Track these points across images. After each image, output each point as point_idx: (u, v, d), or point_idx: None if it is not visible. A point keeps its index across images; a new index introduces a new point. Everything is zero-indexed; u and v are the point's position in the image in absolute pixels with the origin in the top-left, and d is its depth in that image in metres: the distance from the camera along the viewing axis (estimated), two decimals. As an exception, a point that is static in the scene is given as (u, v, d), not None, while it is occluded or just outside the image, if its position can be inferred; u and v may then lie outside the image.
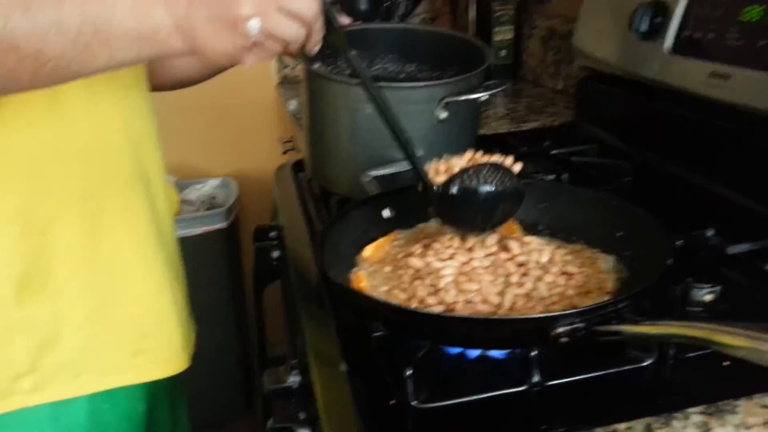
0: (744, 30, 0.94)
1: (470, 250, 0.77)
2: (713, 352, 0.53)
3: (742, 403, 0.59)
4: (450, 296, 0.69)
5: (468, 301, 0.69)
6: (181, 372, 0.91)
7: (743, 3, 0.95)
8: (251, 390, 2.19)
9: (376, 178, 0.94)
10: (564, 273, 0.74)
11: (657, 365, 0.65)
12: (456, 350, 0.69)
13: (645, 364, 0.65)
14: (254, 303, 1.12)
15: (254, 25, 0.62)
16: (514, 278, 0.73)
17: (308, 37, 0.67)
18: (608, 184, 1.09)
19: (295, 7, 0.63)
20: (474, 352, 0.69)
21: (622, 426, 0.57)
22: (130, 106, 0.84)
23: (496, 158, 0.76)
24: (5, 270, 0.75)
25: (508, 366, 0.68)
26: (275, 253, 1.05)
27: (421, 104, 0.96)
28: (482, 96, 0.98)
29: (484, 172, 0.74)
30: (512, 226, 0.83)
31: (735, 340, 0.51)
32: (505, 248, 0.77)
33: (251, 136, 2.30)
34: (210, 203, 2.20)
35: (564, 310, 0.65)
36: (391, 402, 0.63)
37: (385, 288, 0.75)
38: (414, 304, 0.70)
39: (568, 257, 0.77)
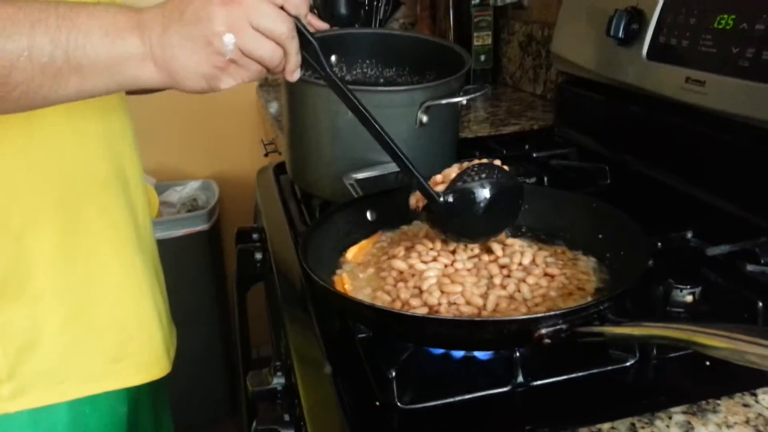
0: (717, 37, 0.96)
1: (453, 252, 0.78)
2: (695, 352, 0.54)
3: (724, 402, 0.60)
4: (434, 298, 0.70)
5: (452, 303, 0.70)
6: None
7: (716, 11, 0.97)
8: (236, 392, 2.18)
9: (358, 181, 0.94)
10: (546, 274, 0.75)
11: (639, 365, 0.66)
12: (440, 351, 0.69)
13: (628, 364, 0.66)
14: (237, 305, 1.12)
15: (229, 40, 0.61)
16: (497, 280, 0.73)
17: (286, 57, 0.66)
18: (587, 187, 1.10)
19: (268, 25, 0.62)
20: (458, 354, 0.69)
21: (605, 426, 0.58)
22: (105, 108, 0.83)
23: (485, 161, 0.77)
24: (-19, 275, 0.74)
25: (492, 367, 0.68)
26: (258, 255, 1.05)
27: (402, 108, 0.96)
28: (463, 100, 0.99)
29: (481, 169, 0.74)
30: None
31: (716, 341, 0.52)
32: (487, 250, 0.78)
33: (232, 137, 2.29)
34: (191, 205, 2.19)
35: (547, 312, 0.65)
36: (376, 403, 0.63)
37: (368, 290, 0.75)
38: (398, 306, 0.70)
39: (550, 259, 0.78)
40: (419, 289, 0.72)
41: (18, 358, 0.76)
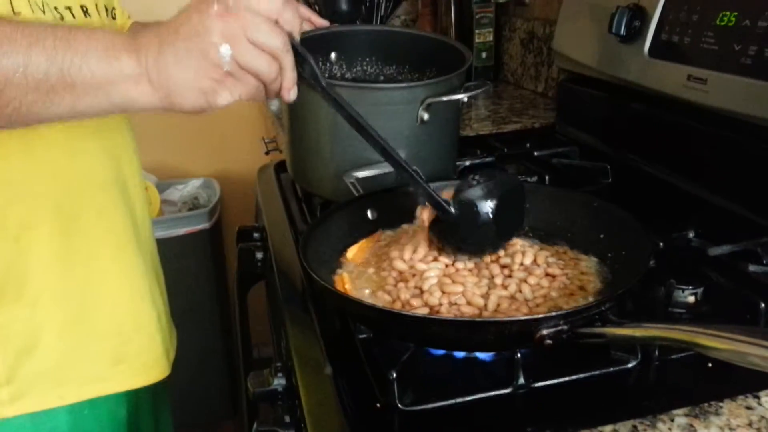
0: (719, 34, 0.95)
1: (454, 252, 0.77)
2: (697, 353, 0.54)
3: (726, 405, 0.59)
4: (434, 298, 0.69)
5: (453, 303, 0.69)
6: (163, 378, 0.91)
7: (718, 8, 0.96)
8: (237, 392, 2.18)
9: (359, 179, 0.94)
10: (548, 275, 0.74)
11: (641, 367, 0.66)
12: (441, 352, 0.69)
13: (630, 365, 0.66)
14: (238, 305, 1.11)
15: (225, 51, 0.61)
16: (498, 280, 0.73)
17: (282, 72, 0.65)
18: (588, 185, 1.10)
19: (263, 38, 0.62)
20: (459, 355, 0.69)
21: (607, 428, 0.57)
22: None
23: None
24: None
25: (493, 368, 0.68)
26: (259, 255, 1.04)
27: (403, 105, 0.96)
28: (464, 97, 0.98)
29: (481, 175, 0.74)
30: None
31: (718, 342, 0.51)
32: (489, 250, 0.78)
33: (234, 135, 2.28)
34: (192, 204, 2.18)
35: (548, 312, 0.65)
36: (377, 405, 0.63)
37: (369, 290, 0.75)
38: (398, 306, 0.70)
39: (552, 259, 0.78)
40: (420, 289, 0.71)
41: (17, 362, 0.76)
